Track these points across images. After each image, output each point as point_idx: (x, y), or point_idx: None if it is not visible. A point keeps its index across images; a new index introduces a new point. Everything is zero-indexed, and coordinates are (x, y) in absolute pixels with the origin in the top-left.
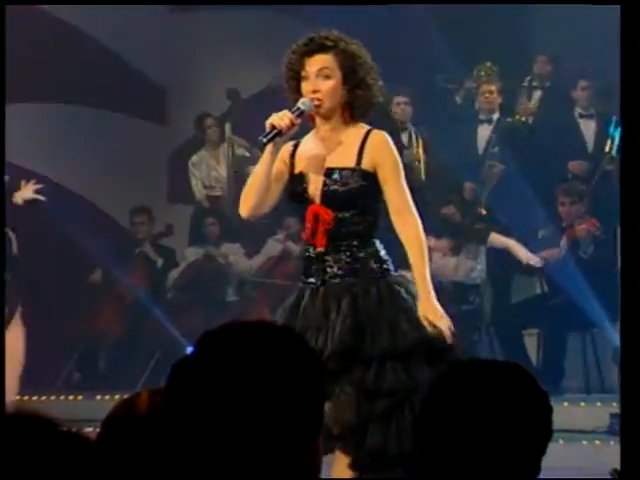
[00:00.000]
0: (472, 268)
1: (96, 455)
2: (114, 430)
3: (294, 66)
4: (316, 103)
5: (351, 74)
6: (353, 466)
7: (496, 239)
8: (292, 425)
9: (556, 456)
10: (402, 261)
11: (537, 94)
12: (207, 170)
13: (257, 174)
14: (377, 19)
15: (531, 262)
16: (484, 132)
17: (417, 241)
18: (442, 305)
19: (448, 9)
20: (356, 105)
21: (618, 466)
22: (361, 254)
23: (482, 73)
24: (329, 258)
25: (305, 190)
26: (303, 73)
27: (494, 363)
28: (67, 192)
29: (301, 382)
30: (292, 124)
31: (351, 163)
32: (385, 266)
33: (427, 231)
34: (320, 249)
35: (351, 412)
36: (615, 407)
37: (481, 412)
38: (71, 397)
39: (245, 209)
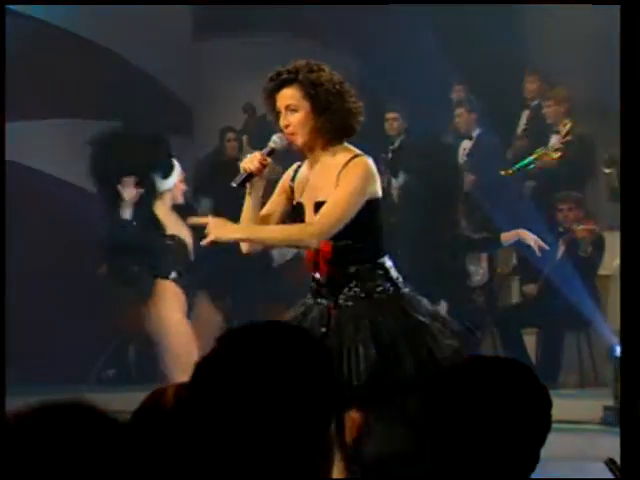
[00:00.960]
0: (475, 272)
1: (132, 439)
2: (142, 420)
3: (269, 102)
4: (291, 137)
5: (317, 102)
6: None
7: (506, 237)
8: (306, 418)
9: (553, 446)
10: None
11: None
12: None
13: (244, 220)
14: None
15: (542, 246)
16: (465, 145)
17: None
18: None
19: (442, 18)
20: (329, 130)
21: (612, 455)
22: (370, 277)
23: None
24: (337, 285)
25: (302, 222)
26: (277, 109)
27: (497, 359)
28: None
29: (315, 379)
30: (262, 165)
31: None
32: (397, 285)
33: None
34: (325, 278)
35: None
36: (608, 400)
37: (485, 405)
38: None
39: (245, 247)
